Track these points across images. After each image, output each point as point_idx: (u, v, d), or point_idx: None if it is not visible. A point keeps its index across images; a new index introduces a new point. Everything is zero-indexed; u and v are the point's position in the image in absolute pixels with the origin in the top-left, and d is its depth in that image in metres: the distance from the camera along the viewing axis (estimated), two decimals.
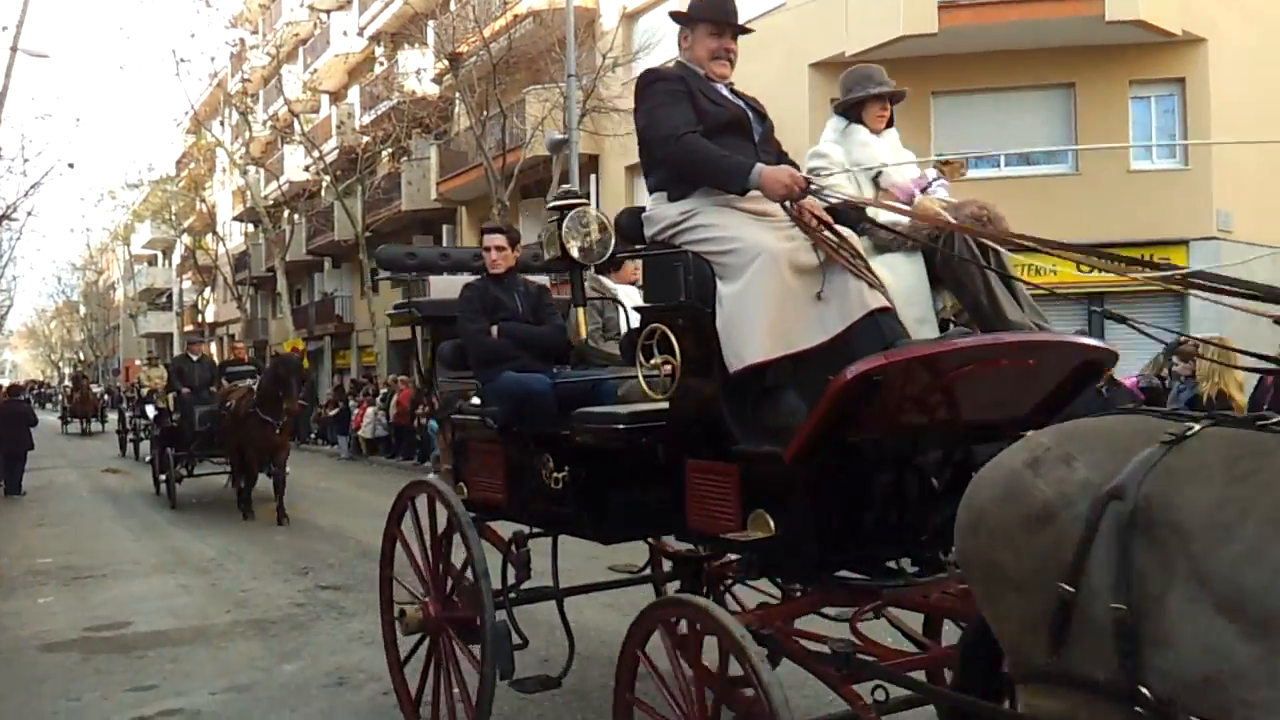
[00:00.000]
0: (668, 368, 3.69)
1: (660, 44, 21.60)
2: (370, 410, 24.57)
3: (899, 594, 3.68)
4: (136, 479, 20.24)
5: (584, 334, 4.53)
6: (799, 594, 4.20)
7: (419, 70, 27.81)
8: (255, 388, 14.09)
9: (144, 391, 23.40)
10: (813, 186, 3.61)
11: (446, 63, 23.61)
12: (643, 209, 4.03)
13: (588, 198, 22.07)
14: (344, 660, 6.98)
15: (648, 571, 5.93)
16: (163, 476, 16.10)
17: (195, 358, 16.54)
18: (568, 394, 4.64)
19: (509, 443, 4.80)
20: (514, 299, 5.29)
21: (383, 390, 24.91)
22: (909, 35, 16.95)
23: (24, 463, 18.07)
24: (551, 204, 4.30)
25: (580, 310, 4.33)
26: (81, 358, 78.02)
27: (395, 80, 29.26)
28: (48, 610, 8.94)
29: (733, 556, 4.47)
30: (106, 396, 46.82)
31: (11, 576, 10.47)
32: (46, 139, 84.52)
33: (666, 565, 5.90)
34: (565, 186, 4.57)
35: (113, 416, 35.33)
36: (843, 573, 3.65)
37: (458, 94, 23.69)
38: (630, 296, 5.48)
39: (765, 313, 3.46)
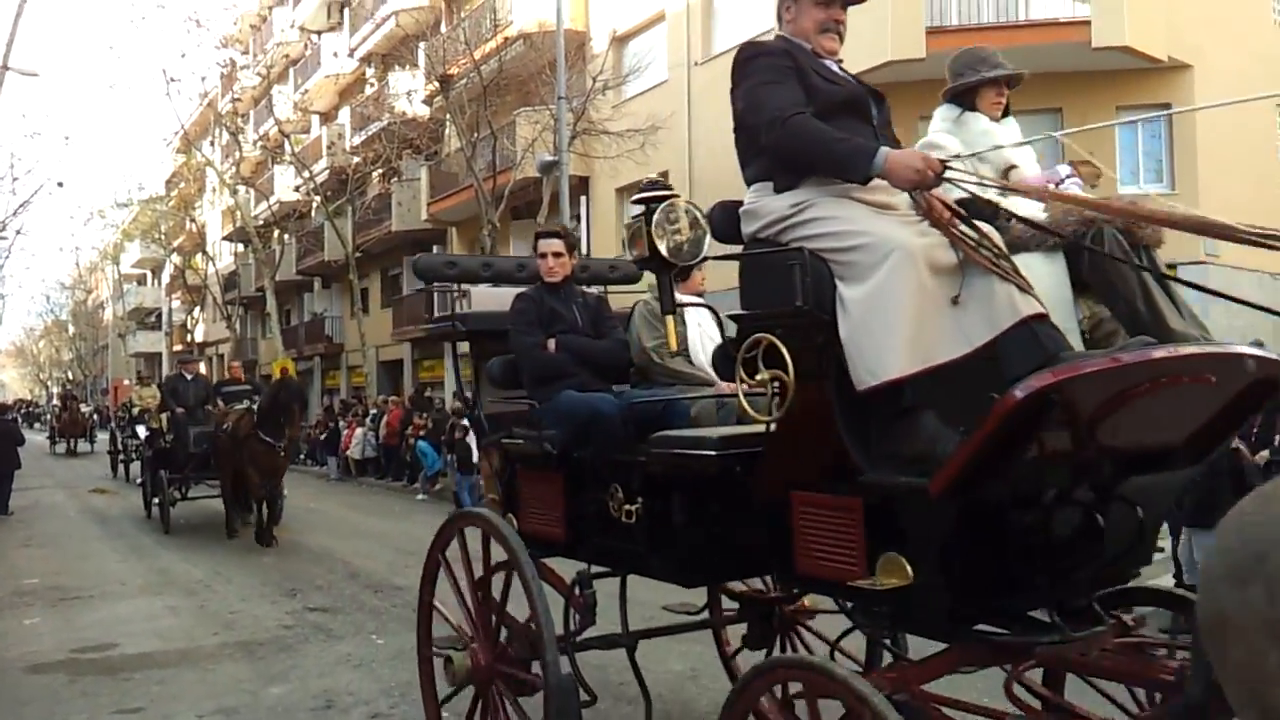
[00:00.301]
0: (776, 384, 3.15)
1: (650, 68, 21.80)
2: (360, 431, 24.51)
3: (1055, 651, 3.12)
4: (124, 499, 20.14)
5: (674, 345, 4.17)
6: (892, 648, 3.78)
7: (410, 91, 27.90)
8: (255, 409, 13.77)
9: (135, 411, 22.23)
10: (947, 173, 3.08)
11: (437, 84, 23.69)
12: (738, 203, 3.51)
13: (577, 220, 21.77)
14: (332, 683, 6.95)
15: (705, 614, 5.45)
16: (155, 499, 15.61)
17: (189, 377, 16.02)
18: (639, 416, 4.17)
19: (571, 471, 4.31)
20: (572, 310, 4.82)
21: (372, 411, 24.86)
22: (896, 60, 17.06)
23: (10, 482, 17.93)
24: (637, 196, 3.89)
25: (669, 318, 3.99)
26: (70, 377, 77.73)
27: (386, 101, 29.37)
28: (34, 631, 8.89)
29: (826, 601, 3.93)
30: (95, 416, 46.34)
31: None
32: (36, 157, 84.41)
33: (728, 604, 5.44)
34: (650, 177, 4.12)
35: (102, 437, 34.94)
36: (981, 626, 3.19)
37: (448, 115, 23.77)
38: (698, 312, 5.09)
39: (903, 319, 2.93)
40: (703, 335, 5.02)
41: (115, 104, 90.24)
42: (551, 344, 4.64)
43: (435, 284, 5.30)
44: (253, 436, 13.07)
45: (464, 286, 5.30)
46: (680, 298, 4.71)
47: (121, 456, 25.11)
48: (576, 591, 4.46)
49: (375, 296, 36.55)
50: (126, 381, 68.02)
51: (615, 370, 4.80)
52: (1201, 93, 18.20)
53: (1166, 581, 9.06)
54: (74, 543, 14.42)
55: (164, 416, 15.60)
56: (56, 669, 7.58)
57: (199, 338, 54.42)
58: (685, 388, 4.53)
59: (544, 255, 4.87)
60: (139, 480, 17.57)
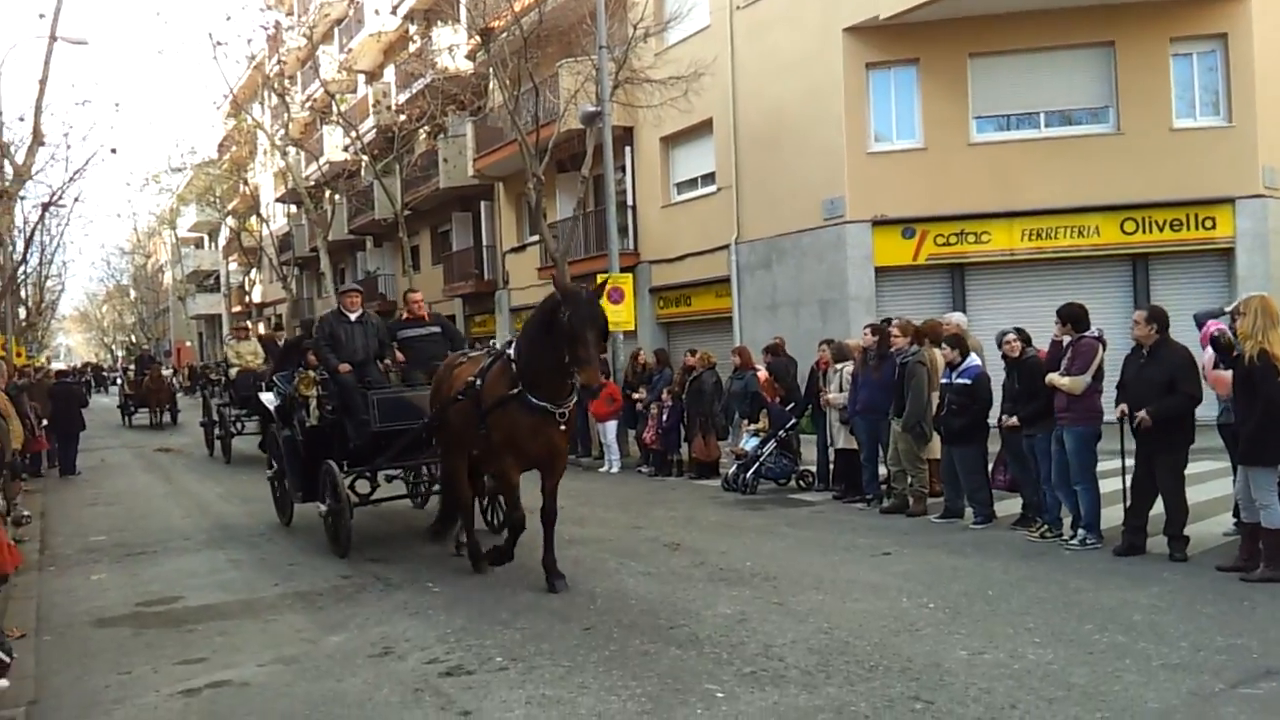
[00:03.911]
0: None
1: (691, 13, 21.51)
2: None
3: None
4: (188, 457, 20.62)
5: None
6: None
7: (452, 47, 27.84)
8: (509, 356, 8.28)
9: (232, 372, 19.74)
10: None
11: (479, 38, 23.59)
12: None
13: (622, 171, 21.78)
14: (389, 630, 7.11)
15: None
16: (326, 512, 9.92)
17: (353, 316, 10.55)
18: None
19: None
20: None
21: None
22: None
23: (77, 443, 18.48)
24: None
25: None
26: (134, 340, 79.34)
27: (429, 57, 29.33)
28: (100, 587, 9.15)
29: None
30: (176, 381, 42.71)
31: (65, 554, 10.73)
32: (89, 124, 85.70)
33: None
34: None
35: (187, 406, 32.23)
36: None
37: (491, 69, 23.67)
38: None
39: None
40: None
41: (164, 70, 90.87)
42: None
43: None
44: (515, 401, 7.99)
45: None
46: None
47: (219, 431, 19.98)
48: None
49: (426, 253, 36.79)
50: (188, 343, 69.58)
51: None
52: (1259, 21, 17.61)
53: (1228, 519, 9.00)
54: (139, 500, 14.76)
55: (311, 377, 10.61)
56: (123, 622, 7.82)
57: (256, 299, 55.29)
58: None
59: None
60: (271, 473, 12.04)
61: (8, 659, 4.25)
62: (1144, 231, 17.81)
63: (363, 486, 11.03)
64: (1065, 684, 5.43)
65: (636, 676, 5.83)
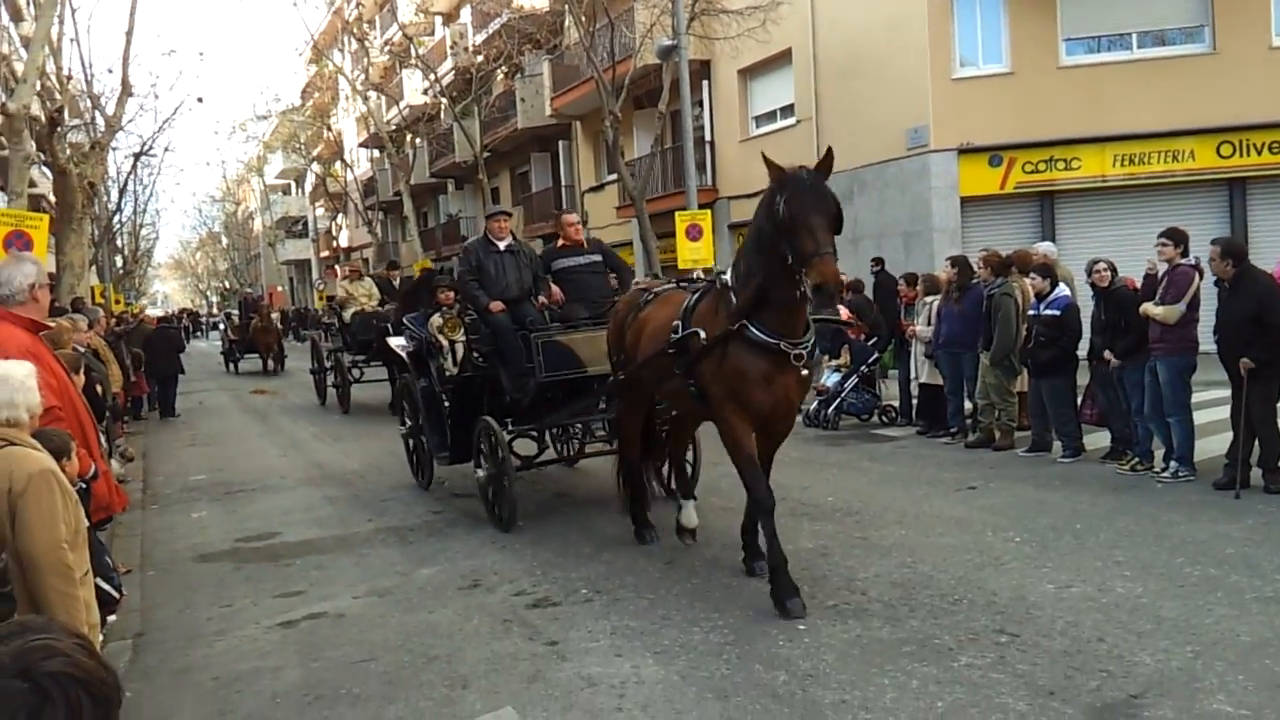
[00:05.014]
0: None
1: None
2: None
3: None
4: (283, 398, 21.19)
5: None
6: None
7: None
8: (730, 279, 6.24)
9: (347, 314, 17.52)
10: None
11: None
12: None
13: (700, 106, 21.41)
14: (478, 564, 7.29)
15: None
16: (493, 495, 8.38)
17: (502, 244, 8.85)
18: None
19: None
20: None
21: None
22: None
23: (176, 386, 19.12)
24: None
25: None
26: (227, 286, 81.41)
27: None
28: (201, 524, 9.50)
29: None
30: (293, 324, 41.35)
31: (167, 494, 11.15)
32: (176, 74, 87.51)
33: None
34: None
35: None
36: None
37: (566, 6, 23.49)
38: None
39: None
40: None
41: (247, 18, 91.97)
42: None
43: None
44: (737, 339, 6.00)
45: None
46: None
47: (335, 379, 18.08)
48: None
49: (505, 195, 36.93)
50: (279, 288, 71.14)
51: None
52: None
53: None
54: (237, 440, 15.23)
55: (454, 318, 9.67)
56: (223, 558, 8.14)
57: (343, 243, 56.20)
58: None
59: None
60: (405, 429, 10.47)
61: (117, 594, 4.46)
62: (1241, 155, 17.05)
63: (517, 445, 9.05)
64: (1155, 617, 5.36)
65: (719, 609, 5.91)
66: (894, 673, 4.83)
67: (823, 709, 4.49)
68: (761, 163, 5.74)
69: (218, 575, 7.61)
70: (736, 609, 5.87)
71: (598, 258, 9.17)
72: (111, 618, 6.08)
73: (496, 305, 8.49)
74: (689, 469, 8.11)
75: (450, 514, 9.04)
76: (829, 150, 5.68)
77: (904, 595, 5.95)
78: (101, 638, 4.04)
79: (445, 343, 9.52)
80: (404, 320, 10.66)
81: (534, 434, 9.22)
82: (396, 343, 10.74)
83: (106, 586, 4.32)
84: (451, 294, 10.06)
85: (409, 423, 10.37)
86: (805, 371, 6.05)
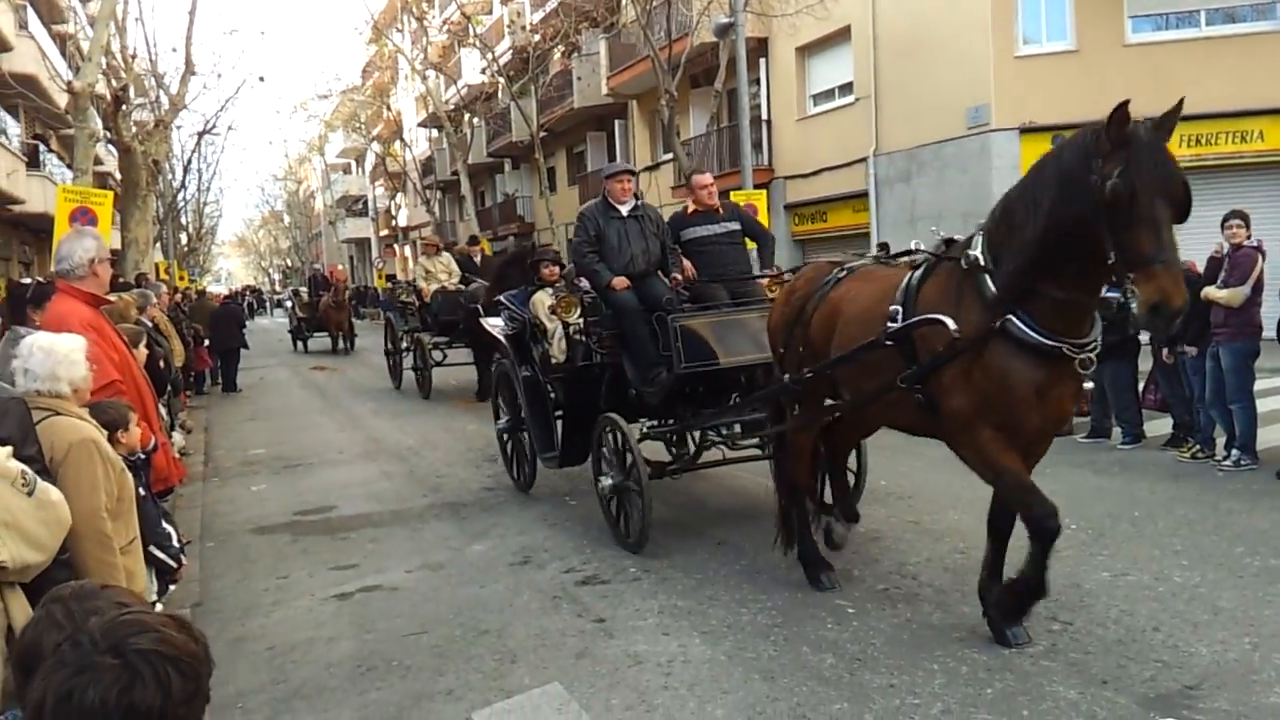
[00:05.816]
0: None
1: None
2: None
3: None
4: (342, 375, 21.48)
5: None
6: None
7: None
8: (980, 253, 4.70)
9: (427, 292, 16.29)
10: None
11: None
12: None
13: (757, 84, 21.18)
14: (529, 540, 7.36)
15: None
16: (604, 483, 7.15)
17: (624, 208, 7.58)
18: None
19: None
20: None
21: None
22: None
23: (238, 361, 19.46)
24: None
25: None
26: (289, 263, 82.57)
27: None
28: (259, 497, 9.67)
29: None
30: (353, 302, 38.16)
31: (227, 467, 11.36)
32: (238, 53, 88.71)
33: None
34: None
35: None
36: None
37: None
38: None
39: None
40: None
41: None
42: None
43: None
44: (999, 339, 4.58)
45: None
46: None
47: (413, 363, 16.88)
48: None
49: (562, 174, 37.02)
50: (340, 266, 72.00)
51: None
52: None
53: None
54: (296, 416, 15.45)
55: (568, 298, 7.76)
56: (280, 530, 8.30)
57: (402, 222, 56.73)
58: None
59: None
60: (502, 424, 9.30)
61: (176, 565, 4.56)
62: None
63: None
64: (1212, 607, 5.26)
65: (766, 590, 5.90)
66: (943, 658, 4.80)
67: (870, 693, 4.47)
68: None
69: (275, 547, 7.76)
70: (785, 591, 5.87)
71: (735, 226, 7.83)
72: (172, 586, 6.22)
73: (620, 281, 7.19)
74: (852, 481, 6.86)
75: (502, 491, 9.11)
76: (1179, 102, 4.33)
77: (955, 581, 5.90)
78: (161, 606, 4.13)
79: (551, 326, 8.24)
80: (500, 299, 9.37)
81: (671, 436, 7.60)
82: (493, 324, 9.58)
83: (162, 555, 4.40)
84: (556, 269, 9.15)
85: (505, 416, 9.16)
86: (1089, 384, 4.83)
